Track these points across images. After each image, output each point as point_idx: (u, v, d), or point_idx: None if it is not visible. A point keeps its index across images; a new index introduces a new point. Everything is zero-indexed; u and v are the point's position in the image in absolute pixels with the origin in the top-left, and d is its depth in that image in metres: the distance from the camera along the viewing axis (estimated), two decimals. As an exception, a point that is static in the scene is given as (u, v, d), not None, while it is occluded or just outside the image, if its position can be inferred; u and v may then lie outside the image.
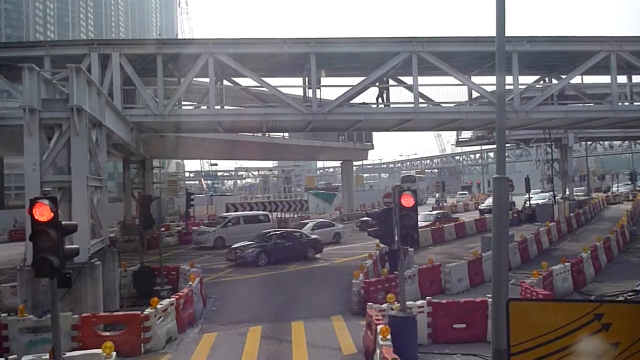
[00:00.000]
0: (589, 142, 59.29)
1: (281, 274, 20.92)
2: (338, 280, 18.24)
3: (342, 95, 22.07)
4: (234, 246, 23.59)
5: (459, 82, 22.53)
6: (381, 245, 18.08)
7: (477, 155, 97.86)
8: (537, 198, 43.97)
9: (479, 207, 47.13)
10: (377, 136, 63.53)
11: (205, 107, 22.61)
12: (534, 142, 49.81)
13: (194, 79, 22.23)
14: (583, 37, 23.13)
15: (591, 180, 64.60)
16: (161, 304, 11.71)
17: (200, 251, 27.71)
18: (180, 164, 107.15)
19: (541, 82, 25.46)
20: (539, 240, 23.47)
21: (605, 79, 23.66)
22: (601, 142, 71.62)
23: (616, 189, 65.36)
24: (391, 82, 23.60)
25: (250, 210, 36.47)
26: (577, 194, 47.87)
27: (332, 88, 23.36)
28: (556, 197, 38.71)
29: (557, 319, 4.16)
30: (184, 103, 24.52)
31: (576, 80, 24.15)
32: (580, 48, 22.57)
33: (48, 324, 9.28)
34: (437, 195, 68.28)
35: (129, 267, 17.40)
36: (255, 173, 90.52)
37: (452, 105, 23.45)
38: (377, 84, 23.03)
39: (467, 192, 76.29)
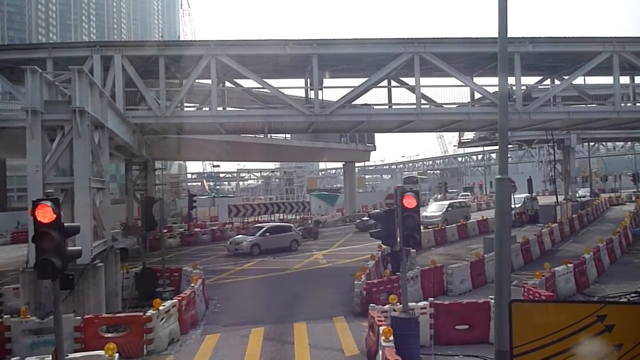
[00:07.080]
0: (592, 143, 59.01)
1: (283, 275, 20.92)
2: (340, 281, 18.23)
3: (344, 97, 22.04)
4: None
5: (461, 83, 22.46)
6: (383, 246, 18.15)
7: (479, 157, 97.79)
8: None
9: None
10: (379, 137, 63.59)
11: (207, 109, 22.63)
12: (536, 143, 49.68)
13: (196, 80, 22.24)
14: (585, 37, 23.08)
15: (594, 181, 64.22)
16: (163, 306, 11.73)
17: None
18: (183, 165, 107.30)
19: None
20: (542, 241, 23.44)
21: (608, 79, 23.60)
22: (604, 143, 71.35)
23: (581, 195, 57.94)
24: (393, 83, 23.57)
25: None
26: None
27: (334, 89, 23.37)
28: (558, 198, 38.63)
29: (559, 321, 4.15)
30: (186, 105, 24.52)
31: (579, 81, 24.10)
32: (583, 49, 22.49)
33: (50, 325, 9.28)
34: (439, 196, 68.14)
35: (132, 269, 17.41)
36: (258, 174, 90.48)
37: (454, 106, 23.37)
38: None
39: (469, 193, 76.12)
